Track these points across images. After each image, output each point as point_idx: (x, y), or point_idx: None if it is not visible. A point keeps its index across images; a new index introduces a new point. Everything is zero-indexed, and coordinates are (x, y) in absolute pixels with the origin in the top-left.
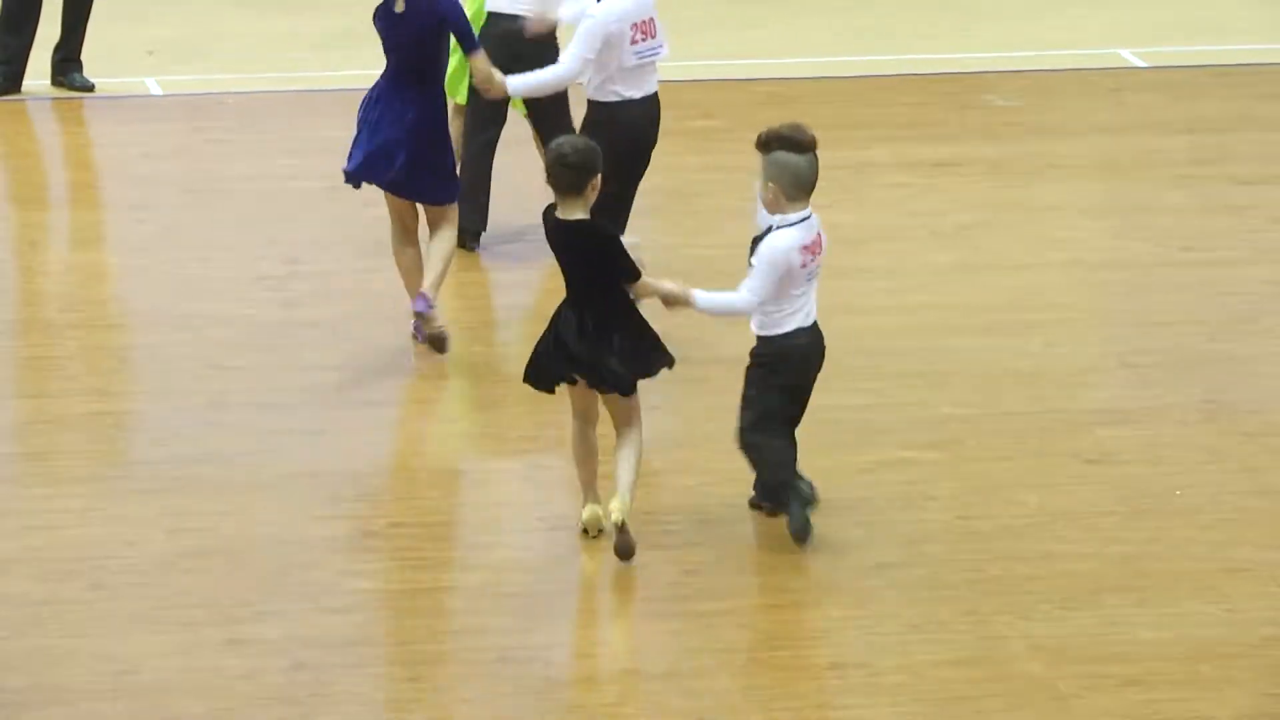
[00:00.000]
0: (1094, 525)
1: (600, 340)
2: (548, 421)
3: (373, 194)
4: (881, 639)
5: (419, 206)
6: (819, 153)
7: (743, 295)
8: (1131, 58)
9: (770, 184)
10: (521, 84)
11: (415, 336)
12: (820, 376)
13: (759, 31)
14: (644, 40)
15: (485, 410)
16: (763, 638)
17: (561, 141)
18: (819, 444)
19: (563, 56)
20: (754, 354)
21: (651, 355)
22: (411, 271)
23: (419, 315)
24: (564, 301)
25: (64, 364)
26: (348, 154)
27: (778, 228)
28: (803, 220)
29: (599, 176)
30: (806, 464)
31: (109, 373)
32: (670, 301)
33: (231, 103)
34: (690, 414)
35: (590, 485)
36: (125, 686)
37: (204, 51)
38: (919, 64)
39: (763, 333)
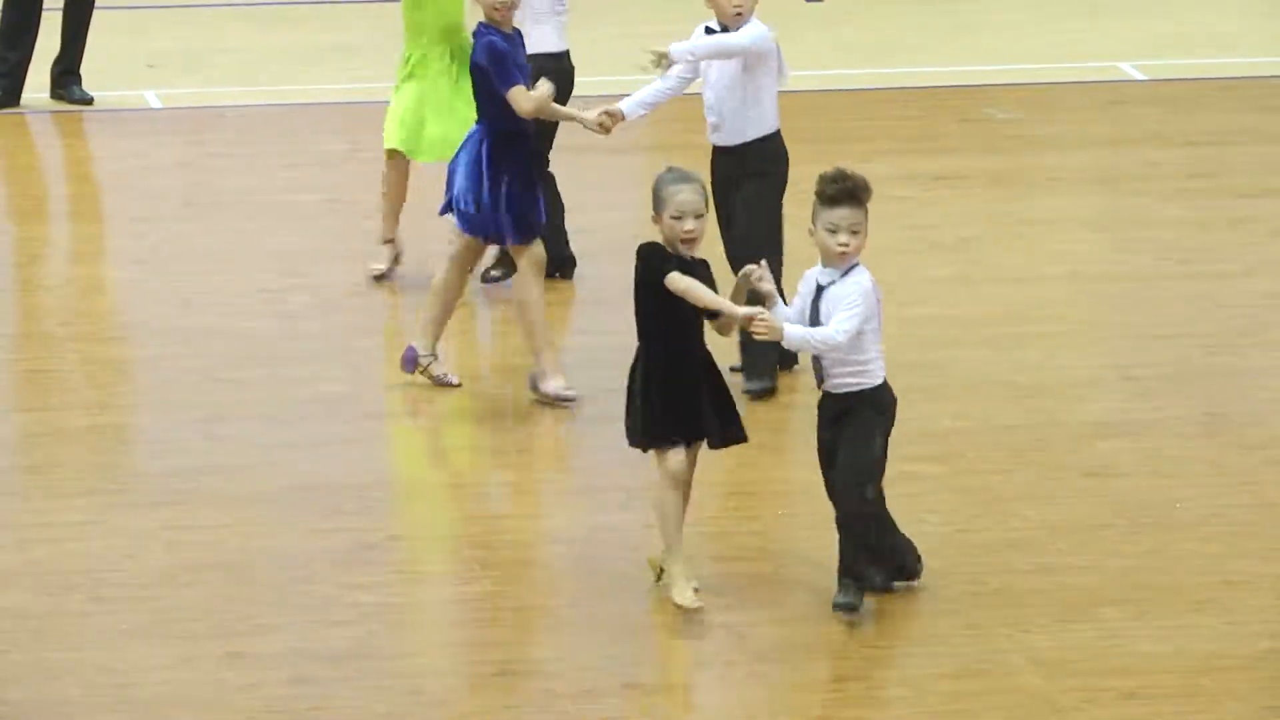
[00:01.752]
0: (1093, 538)
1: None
2: (544, 433)
3: (372, 208)
4: (881, 652)
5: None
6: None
7: (830, 330)
8: (1131, 70)
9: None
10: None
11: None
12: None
13: None
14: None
15: (483, 423)
16: (762, 651)
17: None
18: (815, 460)
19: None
20: (873, 402)
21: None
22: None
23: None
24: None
25: (64, 377)
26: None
27: (848, 271)
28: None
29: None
30: (807, 479)
31: (109, 386)
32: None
33: (231, 116)
34: None
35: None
36: (125, 700)
37: (204, 65)
38: (919, 77)
39: (872, 381)
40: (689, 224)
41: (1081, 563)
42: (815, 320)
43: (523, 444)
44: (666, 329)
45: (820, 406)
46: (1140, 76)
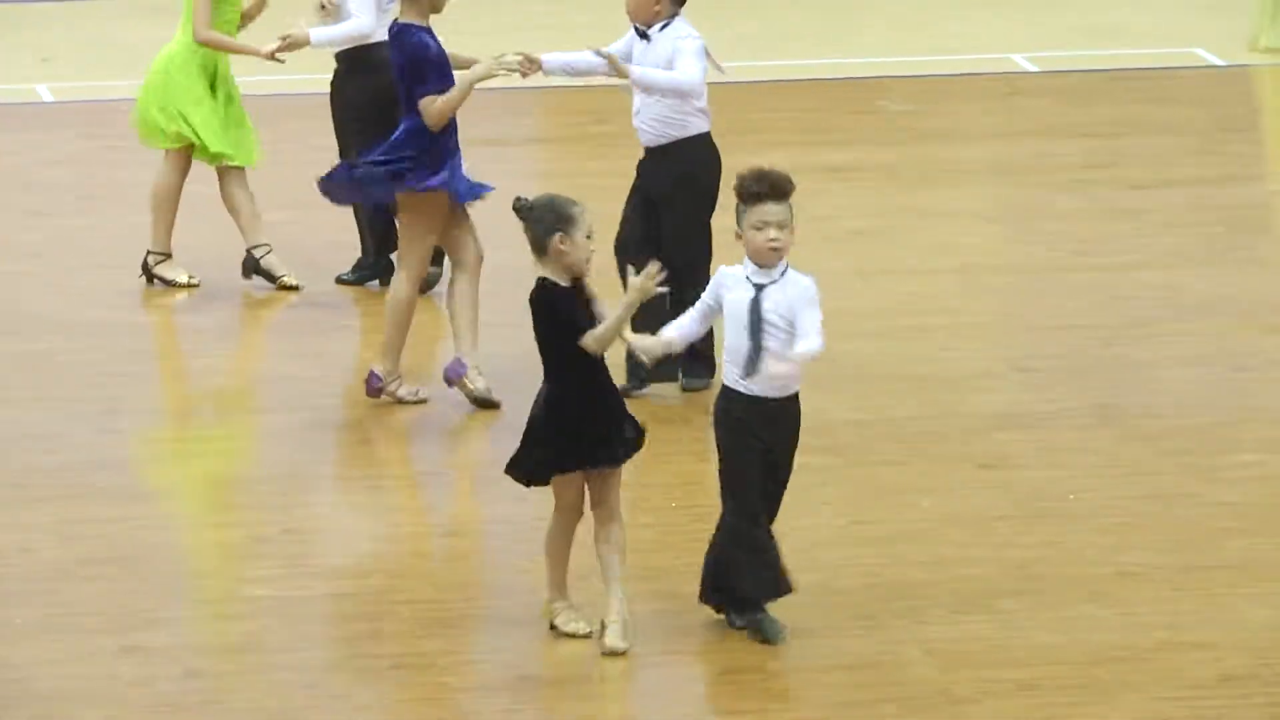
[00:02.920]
0: (988, 530)
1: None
2: (438, 427)
3: (277, 201)
4: (774, 644)
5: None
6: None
7: (816, 340)
8: (1024, 62)
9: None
10: (643, 76)
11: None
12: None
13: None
14: None
15: (377, 415)
16: (654, 642)
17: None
18: (712, 449)
19: (687, 68)
20: (795, 415)
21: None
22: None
23: (448, 381)
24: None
25: None
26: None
27: (785, 273)
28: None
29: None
30: (699, 470)
31: (1, 379)
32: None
33: (126, 109)
34: None
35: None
36: (20, 694)
37: (97, 58)
38: (812, 69)
39: (795, 389)
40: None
41: (977, 554)
42: (757, 322)
43: (413, 438)
44: (580, 365)
45: (751, 411)
46: (1033, 68)
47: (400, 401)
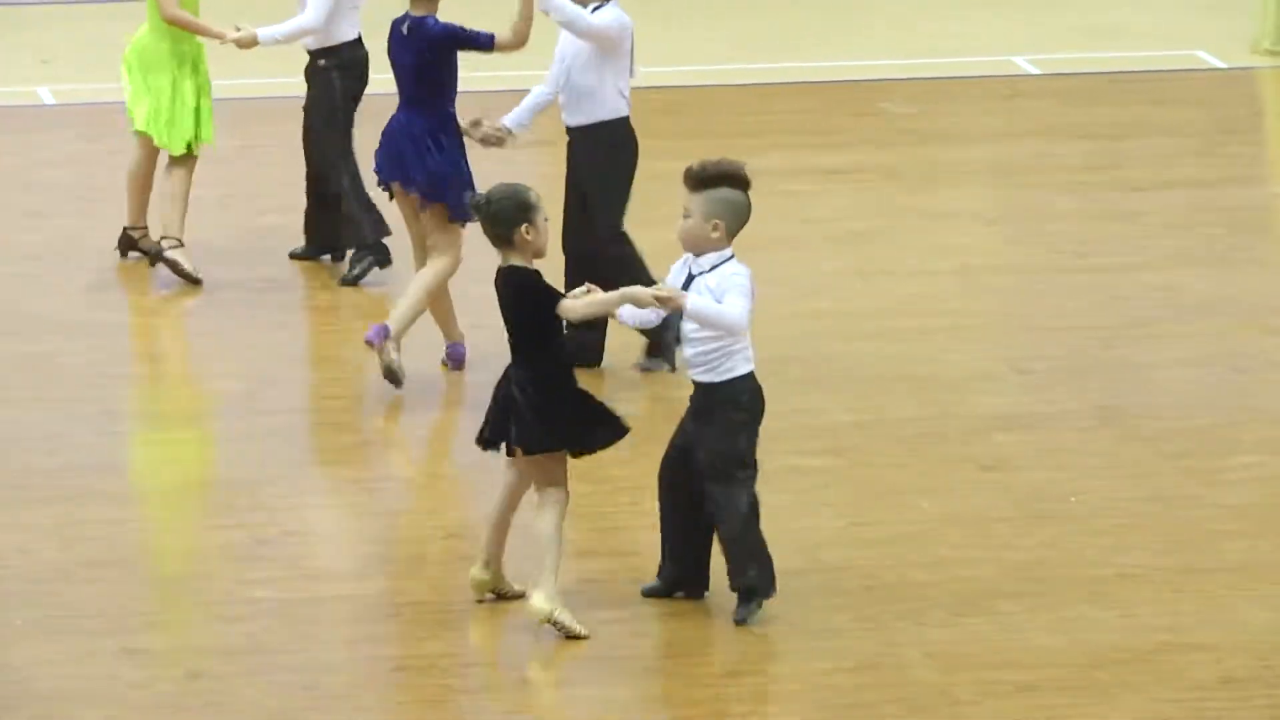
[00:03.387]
0: (988, 531)
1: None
2: (438, 428)
3: (267, 203)
4: (776, 646)
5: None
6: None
7: (735, 311)
8: (1025, 64)
9: (716, 220)
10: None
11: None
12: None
13: (652, 39)
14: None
15: (380, 419)
16: (658, 646)
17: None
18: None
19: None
20: (735, 401)
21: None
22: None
23: (369, 343)
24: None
25: None
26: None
27: (719, 264)
28: (729, 259)
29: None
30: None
31: (1, 381)
32: (663, 302)
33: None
34: None
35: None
36: (20, 695)
37: (98, 60)
38: (813, 71)
39: (733, 375)
40: None
41: (976, 556)
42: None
43: (417, 439)
44: (557, 343)
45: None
46: (1034, 70)
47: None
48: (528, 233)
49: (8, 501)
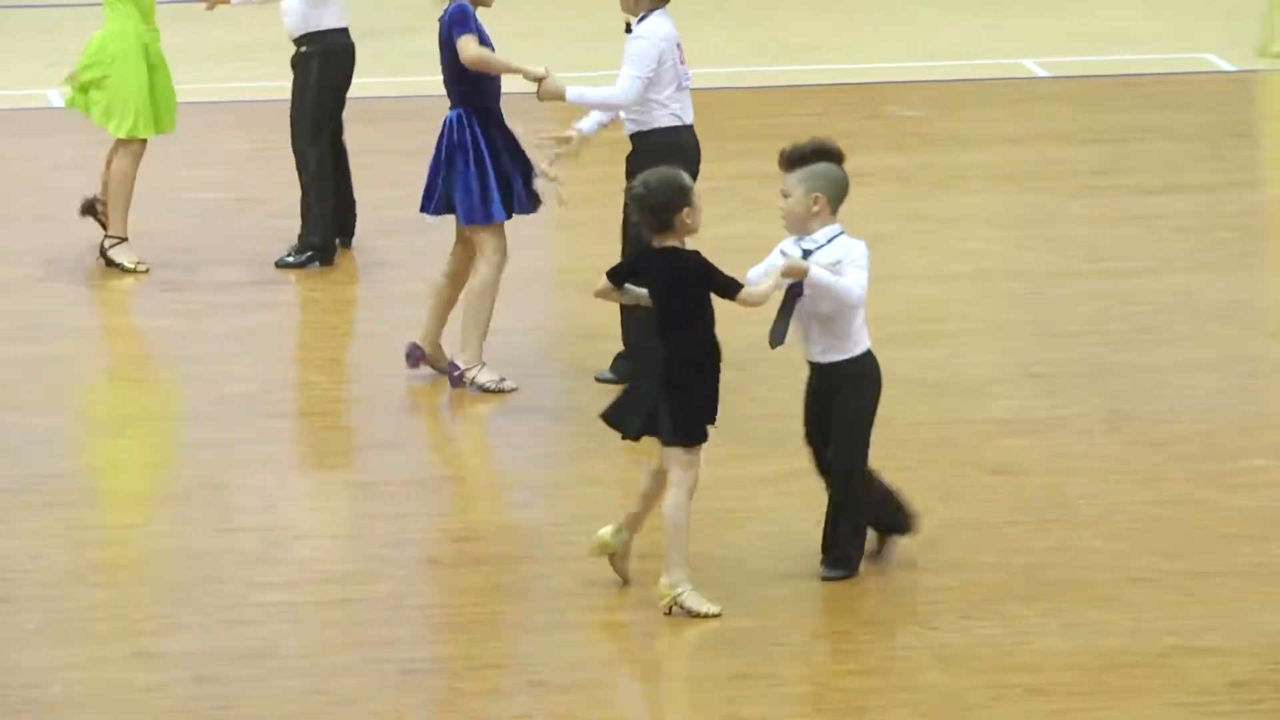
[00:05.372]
0: (999, 535)
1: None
2: (453, 433)
3: (280, 206)
4: (786, 649)
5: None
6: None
7: (852, 283)
8: (1035, 67)
9: (816, 194)
10: (579, 95)
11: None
12: (723, 387)
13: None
14: (684, 64)
15: (387, 421)
16: (667, 648)
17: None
18: (724, 454)
19: (621, 80)
20: (867, 373)
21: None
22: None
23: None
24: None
25: None
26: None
27: (834, 236)
28: (841, 233)
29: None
30: (711, 474)
31: (13, 385)
32: (790, 273)
33: None
34: (603, 427)
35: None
36: (32, 700)
37: None
38: (822, 74)
39: (859, 350)
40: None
41: (987, 559)
42: (798, 289)
43: (428, 442)
44: (706, 324)
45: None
46: (1044, 73)
47: (484, 390)
48: (688, 216)
49: (19, 506)
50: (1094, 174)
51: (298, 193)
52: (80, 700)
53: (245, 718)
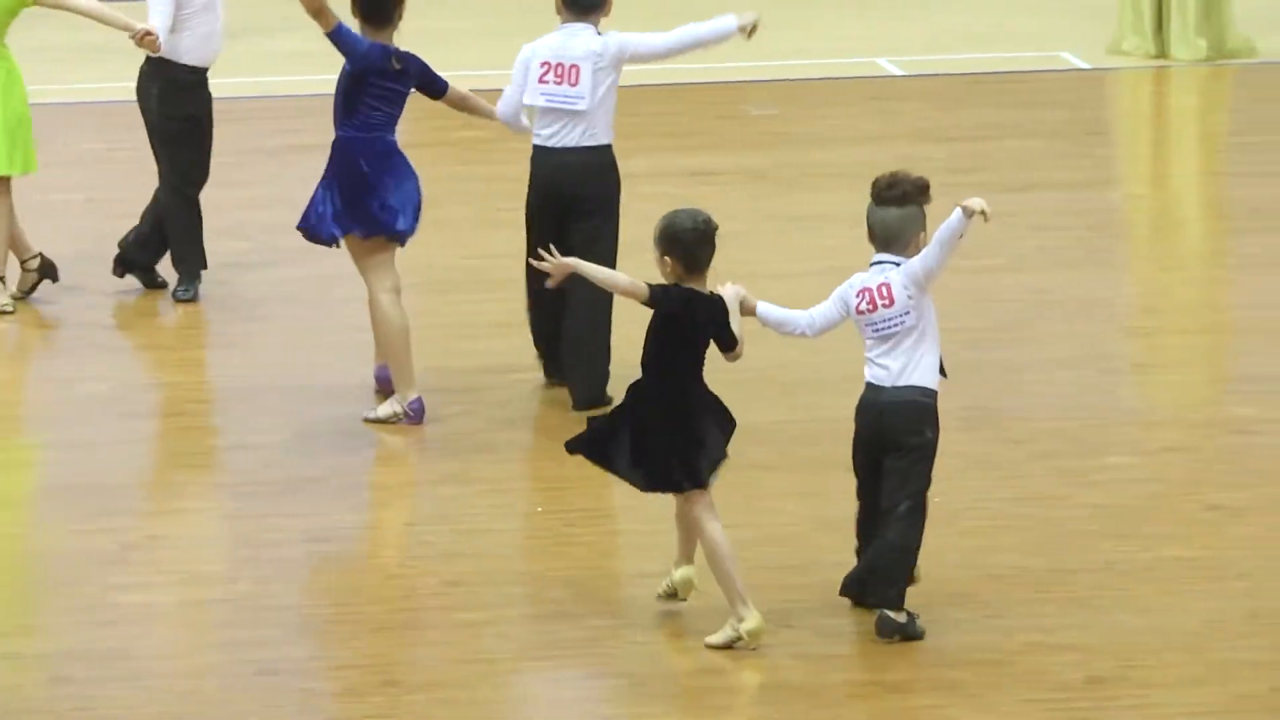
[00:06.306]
0: (854, 532)
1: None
2: (309, 433)
3: (132, 208)
4: (644, 648)
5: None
6: None
7: (802, 315)
8: (890, 66)
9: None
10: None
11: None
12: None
13: (515, 44)
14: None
15: (247, 423)
16: (524, 648)
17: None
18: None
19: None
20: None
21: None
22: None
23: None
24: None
25: None
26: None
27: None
28: (874, 265)
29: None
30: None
31: None
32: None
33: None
34: (457, 425)
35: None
36: None
37: (102, 62)
38: (675, 73)
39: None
40: None
41: (843, 558)
42: None
43: (281, 443)
44: (691, 363)
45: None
46: (899, 72)
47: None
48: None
49: None
50: (950, 172)
51: (148, 194)
52: None
53: (103, 718)
